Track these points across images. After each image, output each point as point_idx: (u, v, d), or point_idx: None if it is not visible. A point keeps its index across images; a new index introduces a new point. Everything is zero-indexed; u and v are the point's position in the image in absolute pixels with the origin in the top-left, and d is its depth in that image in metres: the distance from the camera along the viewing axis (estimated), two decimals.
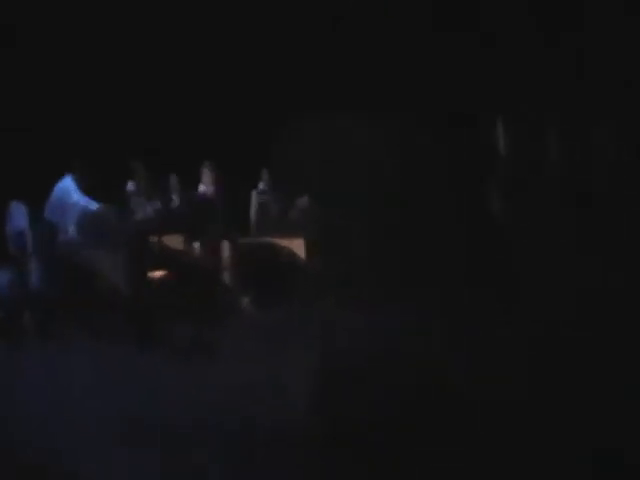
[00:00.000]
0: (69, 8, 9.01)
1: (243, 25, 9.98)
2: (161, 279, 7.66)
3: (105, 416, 5.08)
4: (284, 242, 8.67)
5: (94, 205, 8.18)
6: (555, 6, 8.49)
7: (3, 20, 8.44)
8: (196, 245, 8.00)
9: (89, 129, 8.98)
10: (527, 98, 8.62)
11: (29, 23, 8.95)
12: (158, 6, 9.38)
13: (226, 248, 8.23)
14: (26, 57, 8.91)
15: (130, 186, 7.75)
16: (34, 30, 8.88)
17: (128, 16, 9.49)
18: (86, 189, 8.07)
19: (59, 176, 8.14)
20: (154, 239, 7.75)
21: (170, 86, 9.83)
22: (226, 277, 8.34)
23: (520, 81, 8.71)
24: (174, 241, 8.04)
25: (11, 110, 8.73)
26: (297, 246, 8.58)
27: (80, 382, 6.19)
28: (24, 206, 8.89)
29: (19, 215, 8.95)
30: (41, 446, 4.44)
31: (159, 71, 9.79)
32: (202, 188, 8.25)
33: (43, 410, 5.19)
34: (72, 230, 8.14)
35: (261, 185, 10.10)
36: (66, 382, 6.13)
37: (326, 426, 3.94)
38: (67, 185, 8.06)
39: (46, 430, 4.74)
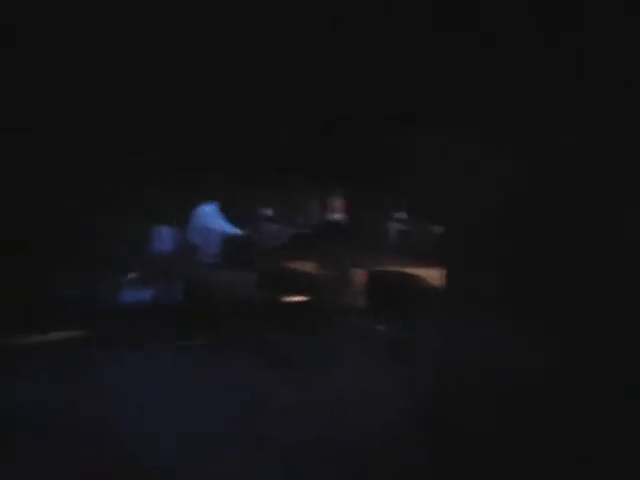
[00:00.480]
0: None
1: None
2: (294, 300, 7.96)
3: (218, 421, 5.39)
4: (419, 269, 8.72)
5: (231, 230, 8.68)
6: None
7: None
8: (327, 270, 8.22)
9: (228, 164, 9.50)
10: None
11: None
12: None
13: (357, 274, 8.41)
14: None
15: (264, 212, 8.11)
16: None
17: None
18: (224, 214, 8.57)
19: (201, 202, 8.67)
20: (286, 263, 8.07)
21: (306, 123, 10.21)
22: (355, 301, 8.51)
23: None
24: (306, 265, 8.34)
25: (156, 143, 9.39)
26: (431, 273, 8.62)
27: (209, 386, 6.65)
28: (170, 229, 9.55)
29: (166, 237, 9.61)
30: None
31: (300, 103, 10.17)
32: (333, 216, 8.49)
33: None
34: (211, 252, 8.66)
35: (399, 213, 10.25)
36: (195, 385, 6.60)
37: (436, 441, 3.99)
38: (208, 210, 8.58)
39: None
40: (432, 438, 4.03)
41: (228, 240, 8.93)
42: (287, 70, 10.14)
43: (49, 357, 7.30)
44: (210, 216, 8.54)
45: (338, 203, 8.50)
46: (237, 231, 8.66)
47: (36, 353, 7.40)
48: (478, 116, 9.81)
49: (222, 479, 4.28)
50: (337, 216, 8.47)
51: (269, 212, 8.15)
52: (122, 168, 9.42)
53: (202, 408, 5.78)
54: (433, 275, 8.56)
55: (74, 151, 9.35)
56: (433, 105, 10.16)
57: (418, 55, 10.03)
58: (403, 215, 10.14)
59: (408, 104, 10.51)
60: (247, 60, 9.62)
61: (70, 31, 8.59)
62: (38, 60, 8.11)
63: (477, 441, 3.79)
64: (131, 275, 8.96)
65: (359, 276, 8.55)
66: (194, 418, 5.45)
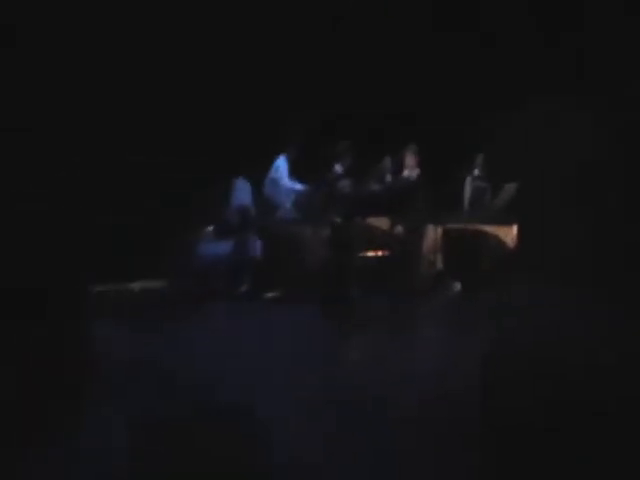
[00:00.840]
0: None
1: None
2: (365, 257, 8.09)
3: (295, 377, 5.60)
4: (494, 228, 8.71)
5: (300, 186, 8.85)
6: None
7: None
8: (401, 228, 8.30)
9: (300, 114, 9.60)
10: None
11: None
12: None
13: (431, 232, 8.45)
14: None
15: (338, 168, 8.17)
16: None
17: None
18: (296, 169, 8.69)
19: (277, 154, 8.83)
20: (360, 220, 8.17)
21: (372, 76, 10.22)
22: (428, 260, 8.57)
23: None
24: (380, 223, 8.43)
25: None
26: (507, 232, 8.61)
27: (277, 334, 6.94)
28: (248, 182, 9.74)
29: (244, 191, 9.81)
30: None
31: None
32: (407, 172, 8.50)
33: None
34: (284, 207, 8.83)
35: (476, 171, 10.19)
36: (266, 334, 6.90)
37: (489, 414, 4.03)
38: (279, 165, 8.71)
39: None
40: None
41: (303, 195, 9.09)
42: None
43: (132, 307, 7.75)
44: (280, 171, 8.66)
45: (413, 159, 8.48)
46: (305, 187, 8.82)
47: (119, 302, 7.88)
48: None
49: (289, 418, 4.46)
50: (412, 172, 8.48)
51: (342, 168, 8.20)
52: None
53: (277, 360, 6.00)
54: (508, 233, 8.59)
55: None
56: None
57: None
58: (480, 172, 10.08)
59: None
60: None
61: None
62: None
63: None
64: (211, 228, 9.22)
65: (434, 233, 8.58)
66: (266, 367, 5.67)
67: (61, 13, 8.02)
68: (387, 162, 9.82)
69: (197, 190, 9.20)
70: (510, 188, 9.37)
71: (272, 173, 8.68)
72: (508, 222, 8.69)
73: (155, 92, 9.27)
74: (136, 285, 8.68)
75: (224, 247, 8.79)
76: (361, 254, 8.06)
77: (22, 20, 7.62)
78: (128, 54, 8.87)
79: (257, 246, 8.81)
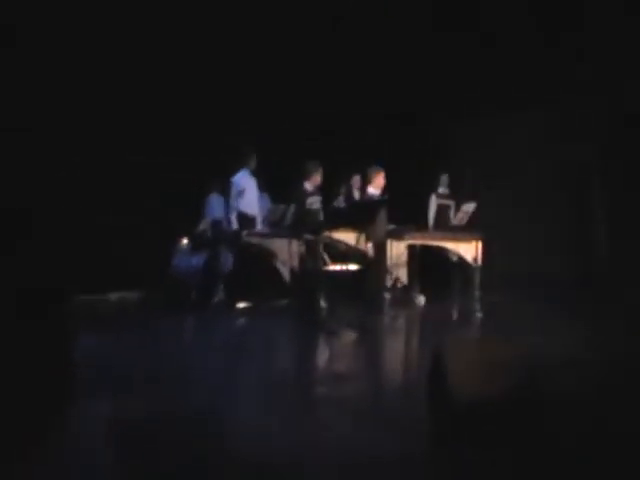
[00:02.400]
0: None
1: None
2: (333, 271, 8.44)
3: (260, 376, 5.91)
4: (457, 244, 9.06)
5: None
6: None
7: None
8: (367, 243, 8.63)
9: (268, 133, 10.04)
10: None
11: None
12: None
13: (395, 247, 8.80)
14: None
15: (307, 186, 8.51)
16: None
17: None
18: (267, 186, 9.09)
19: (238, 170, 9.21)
20: (328, 235, 8.51)
21: (343, 98, 10.67)
22: (393, 274, 8.92)
23: None
24: (347, 238, 8.78)
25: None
26: (468, 247, 8.97)
27: (247, 342, 7.28)
28: (222, 197, 10.07)
29: (217, 205, 10.14)
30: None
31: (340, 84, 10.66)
32: (372, 189, 8.85)
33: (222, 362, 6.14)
34: (259, 221, 9.18)
35: (440, 189, 10.62)
36: (237, 342, 7.23)
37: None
38: (234, 181, 9.09)
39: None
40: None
41: (272, 210, 9.44)
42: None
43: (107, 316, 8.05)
44: (237, 187, 9.03)
45: (379, 177, 8.83)
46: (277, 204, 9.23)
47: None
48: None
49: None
50: (377, 189, 8.83)
51: (311, 186, 8.55)
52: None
53: (246, 369, 6.30)
54: (470, 249, 8.97)
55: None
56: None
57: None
58: (444, 190, 10.51)
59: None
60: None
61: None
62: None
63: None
64: (185, 241, 9.53)
65: (398, 248, 8.93)
66: (237, 379, 5.97)
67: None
68: (355, 180, 10.22)
69: (172, 205, 9.54)
70: (470, 206, 9.79)
71: (235, 188, 9.02)
72: (470, 238, 9.06)
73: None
74: (113, 295, 9.01)
75: (197, 260, 9.11)
76: (329, 268, 8.40)
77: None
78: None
79: (229, 259, 9.15)
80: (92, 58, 9.05)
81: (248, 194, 9.07)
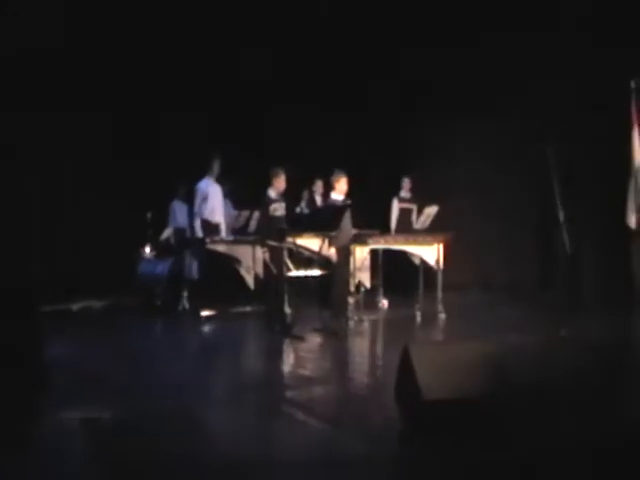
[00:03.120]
0: None
1: None
2: (297, 276, 8.48)
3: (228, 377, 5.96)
4: (419, 248, 9.15)
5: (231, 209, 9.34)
6: None
7: None
8: (330, 248, 8.69)
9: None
10: None
11: None
12: None
13: (358, 252, 8.88)
14: None
15: (271, 192, 8.53)
16: None
17: None
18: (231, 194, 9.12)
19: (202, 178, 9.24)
20: (292, 241, 8.55)
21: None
22: (357, 278, 9.01)
23: None
24: (311, 243, 8.84)
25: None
26: (430, 251, 9.07)
27: (214, 347, 7.34)
28: (185, 205, 10.07)
29: (181, 213, 10.13)
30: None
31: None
32: (335, 195, 8.90)
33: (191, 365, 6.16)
34: (222, 228, 9.21)
35: (402, 193, 10.73)
36: (203, 347, 7.31)
37: None
38: (198, 187, 9.14)
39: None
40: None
41: (236, 217, 9.47)
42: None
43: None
44: (201, 193, 9.08)
45: (341, 182, 8.89)
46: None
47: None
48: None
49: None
50: (340, 195, 8.89)
51: (275, 192, 8.58)
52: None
53: (212, 375, 6.34)
54: (432, 252, 9.07)
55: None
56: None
57: None
58: (406, 194, 10.61)
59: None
60: None
61: None
62: None
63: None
64: (148, 249, 9.51)
65: (361, 252, 9.02)
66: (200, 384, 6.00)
67: None
68: (317, 185, 10.28)
69: (136, 212, 9.53)
70: (432, 209, 9.91)
71: (200, 194, 9.06)
72: (432, 241, 9.16)
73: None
74: (76, 305, 8.96)
75: (162, 267, 9.10)
76: (293, 273, 8.44)
77: None
78: None
79: (194, 265, 9.16)
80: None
81: (212, 201, 9.09)
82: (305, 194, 10.59)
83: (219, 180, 9.23)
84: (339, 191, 8.73)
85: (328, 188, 9.14)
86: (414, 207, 10.79)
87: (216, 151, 9.20)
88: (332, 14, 10.72)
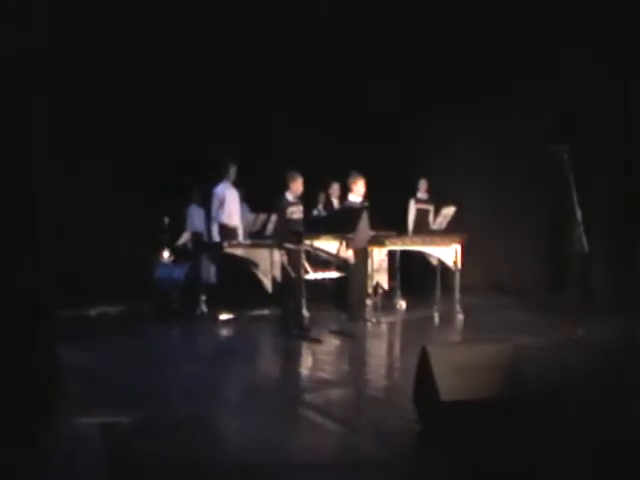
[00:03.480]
0: None
1: None
2: (314, 277, 8.47)
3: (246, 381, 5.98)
4: (437, 249, 9.13)
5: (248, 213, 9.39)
6: None
7: None
8: (348, 250, 8.69)
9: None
10: None
11: None
12: None
13: (376, 253, 8.87)
14: None
15: (288, 195, 8.52)
16: None
17: None
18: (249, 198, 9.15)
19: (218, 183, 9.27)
20: (310, 243, 8.56)
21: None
22: (375, 280, 8.99)
23: None
24: (328, 246, 8.86)
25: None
26: (448, 252, 9.04)
27: (231, 351, 7.37)
28: (201, 209, 10.11)
29: (198, 217, 10.17)
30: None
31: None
32: (352, 197, 8.90)
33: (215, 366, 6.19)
34: (240, 231, 9.23)
35: (419, 194, 10.72)
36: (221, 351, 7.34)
37: None
38: (215, 192, 9.16)
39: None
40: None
41: (253, 221, 9.49)
42: None
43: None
44: (217, 197, 9.10)
45: (358, 185, 8.88)
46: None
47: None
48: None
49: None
50: (357, 197, 8.88)
51: (292, 195, 8.58)
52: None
53: (231, 378, 6.36)
54: (449, 253, 9.06)
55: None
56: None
57: None
58: (423, 195, 10.59)
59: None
60: None
61: None
62: None
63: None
64: (166, 254, 9.54)
65: (379, 254, 9.01)
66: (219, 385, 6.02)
67: None
68: (333, 188, 10.28)
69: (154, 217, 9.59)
70: (449, 210, 9.88)
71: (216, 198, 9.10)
72: (449, 242, 9.13)
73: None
74: (93, 310, 9.03)
75: (179, 272, 9.12)
76: (311, 276, 8.43)
77: None
78: None
79: (211, 270, 9.18)
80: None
81: (229, 205, 9.11)
82: (322, 197, 10.60)
83: (235, 184, 9.25)
84: (357, 193, 8.72)
85: (345, 190, 9.14)
86: (431, 208, 10.78)
87: (232, 155, 9.23)
88: (331, 15, 10.71)
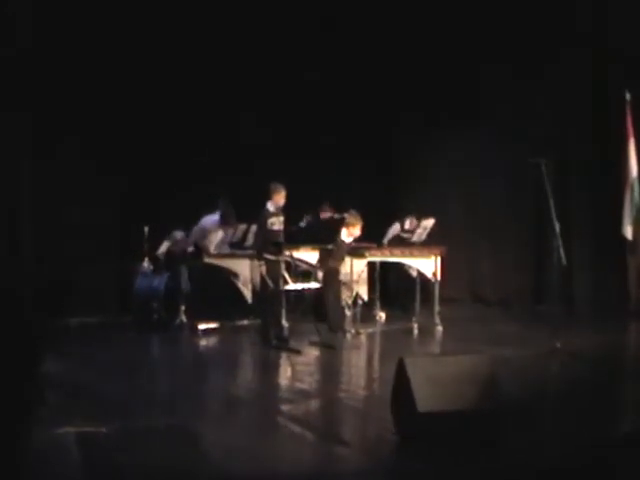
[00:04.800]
0: None
1: None
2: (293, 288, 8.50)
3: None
4: (415, 260, 9.19)
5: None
6: None
7: None
8: (327, 261, 8.73)
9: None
10: None
11: None
12: None
13: (355, 265, 8.90)
14: None
15: (269, 206, 8.51)
16: None
17: None
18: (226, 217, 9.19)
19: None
20: (290, 254, 8.59)
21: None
22: (354, 291, 9.02)
23: None
24: (308, 257, 8.92)
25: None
26: (427, 263, 9.10)
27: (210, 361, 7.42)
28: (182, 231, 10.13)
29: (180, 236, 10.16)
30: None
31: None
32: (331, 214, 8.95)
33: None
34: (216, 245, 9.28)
35: (407, 223, 10.62)
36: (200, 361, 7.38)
37: None
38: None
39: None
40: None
41: (233, 231, 9.49)
42: None
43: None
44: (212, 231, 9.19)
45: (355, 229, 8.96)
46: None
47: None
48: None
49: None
50: (333, 215, 8.96)
51: (275, 207, 8.59)
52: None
53: (210, 388, 6.38)
54: (428, 265, 9.12)
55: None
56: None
57: None
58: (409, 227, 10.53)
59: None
60: None
61: None
62: None
63: None
64: (146, 264, 9.50)
65: (358, 265, 9.03)
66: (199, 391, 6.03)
67: None
68: (324, 210, 10.27)
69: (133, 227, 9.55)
70: (429, 222, 9.92)
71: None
72: (429, 253, 9.19)
73: None
74: (72, 320, 8.99)
75: (159, 281, 9.09)
76: (291, 287, 8.45)
77: None
78: None
79: (190, 280, 9.17)
80: None
81: (210, 236, 9.18)
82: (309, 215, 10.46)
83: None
84: (350, 234, 8.76)
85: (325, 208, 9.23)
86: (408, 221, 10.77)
87: (225, 193, 9.28)
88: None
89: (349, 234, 8.74)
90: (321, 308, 8.90)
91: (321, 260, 8.63)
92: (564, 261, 7.29)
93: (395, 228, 10.54)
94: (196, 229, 9.19)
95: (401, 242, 10.32)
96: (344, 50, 10.91)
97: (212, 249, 9.24)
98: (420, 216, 10.29)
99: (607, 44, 9.36)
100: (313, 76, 10.90)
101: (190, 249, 9.08)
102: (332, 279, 8.63)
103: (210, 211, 9.19)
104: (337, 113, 11.14)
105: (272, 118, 10.84)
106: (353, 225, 8.74)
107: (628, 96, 9.31)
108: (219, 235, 9.34)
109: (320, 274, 8.64)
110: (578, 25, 9.65)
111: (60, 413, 4.92)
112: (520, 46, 9.99)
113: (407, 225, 10.54)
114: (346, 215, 8.80)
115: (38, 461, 4.06)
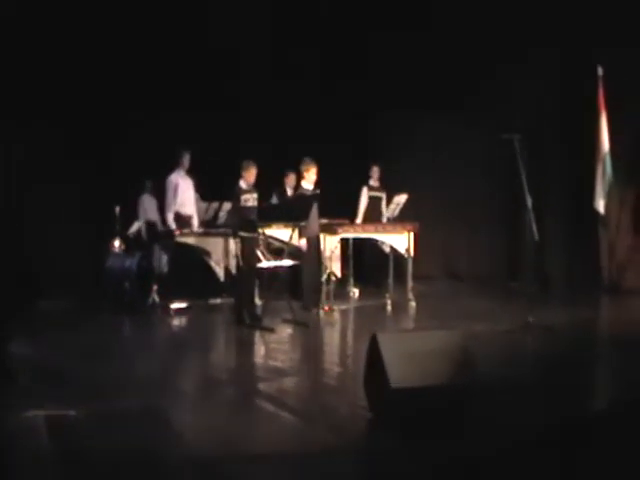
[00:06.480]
0: None
1: None
2: (267, 265, 8.45)
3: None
4: (389, 236, 9.18)
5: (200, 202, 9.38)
6: None
7: None
8: (300, 238, 8.67)
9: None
10: None
11: None
12: None
13: (328, 241, 8.86)
14: None
15: (242, 184, 8.43)
16: None
17: None
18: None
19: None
20: (263, 232, 8.54)
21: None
22: (327, 268, 8.99)
23: None
24: (281, 234, 8.85)
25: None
26: (400, 239, 9.10)
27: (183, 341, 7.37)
28: (154, 199, 9.98)
29: (150, 207, 10.03)
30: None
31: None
32: (305, 185, 8.87)
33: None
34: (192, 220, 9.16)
35: (371, 181, 10.68)
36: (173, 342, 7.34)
37: None
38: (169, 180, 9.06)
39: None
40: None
41: (205, 209, 9.40)
42: None
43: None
44: (170, 186, 9.04)
45: (310, 173, 8.85)
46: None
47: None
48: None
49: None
50: (309, 185, 8.85)
51: (246, 184, 8.52)
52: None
53: (184, 368, 6.34)
54: (401, 241, 9.12)
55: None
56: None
57: None
58: (374, 183, 10.55)
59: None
60: None
61: None
62: None
63: None
64: (117, 243, 9.41)
65: (332, 242, 8.99)
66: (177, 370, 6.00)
67: None
68: (290, 178, 10.20)
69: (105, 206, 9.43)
70: (401, 198, 9.90)
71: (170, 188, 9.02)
72: (402, 229, 9.18)
73: None
74: (43, 302, 8.87)
75: (131, 261, 9.01)
76: (264, 264, 8.40)
77: None
78: None
79: (163, 259, 9.08)
80: None
81: (183, 193, 9.00)
82: (276, 189, 10.44)
83: (189, 173, 9.15)
84: (309, 180, 8.69)
85: (299, 179, 9.11)
86: (383, 195, 10.76)
87: (185, 144, 9.11)
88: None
89: (308, 181, 8.71)
90: (296, 286, 8.90)
91: (300, 234, 8.56)
92: (536, 236, 7.32)
93: (364, 194, 10.51)
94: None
95: (377, 213, 10.36)
96: (320, 31, 10.89)
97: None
98: (392, 192, 10.30)
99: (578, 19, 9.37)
100: (291, 59, 10.89)
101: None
102: (312, 249, 8.61)
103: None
104: (313, 98, 11.14)
105: (247, 101, 10.79)
106: (307, 170, 8.72)
107: (600, 71, 9.36)
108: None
109: (302, 243, 8.58)
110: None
111: (29, 396, 4.86)
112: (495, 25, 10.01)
113: (372, 181, 10.52)
114: (302, 167, 8.79)
115: (7, 444, 4.02)
